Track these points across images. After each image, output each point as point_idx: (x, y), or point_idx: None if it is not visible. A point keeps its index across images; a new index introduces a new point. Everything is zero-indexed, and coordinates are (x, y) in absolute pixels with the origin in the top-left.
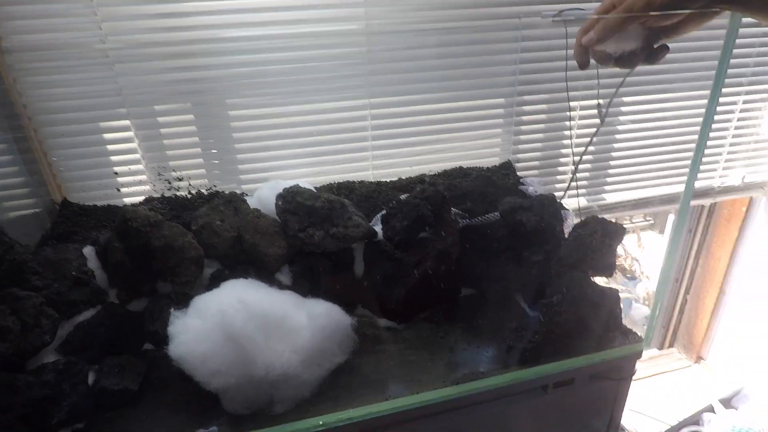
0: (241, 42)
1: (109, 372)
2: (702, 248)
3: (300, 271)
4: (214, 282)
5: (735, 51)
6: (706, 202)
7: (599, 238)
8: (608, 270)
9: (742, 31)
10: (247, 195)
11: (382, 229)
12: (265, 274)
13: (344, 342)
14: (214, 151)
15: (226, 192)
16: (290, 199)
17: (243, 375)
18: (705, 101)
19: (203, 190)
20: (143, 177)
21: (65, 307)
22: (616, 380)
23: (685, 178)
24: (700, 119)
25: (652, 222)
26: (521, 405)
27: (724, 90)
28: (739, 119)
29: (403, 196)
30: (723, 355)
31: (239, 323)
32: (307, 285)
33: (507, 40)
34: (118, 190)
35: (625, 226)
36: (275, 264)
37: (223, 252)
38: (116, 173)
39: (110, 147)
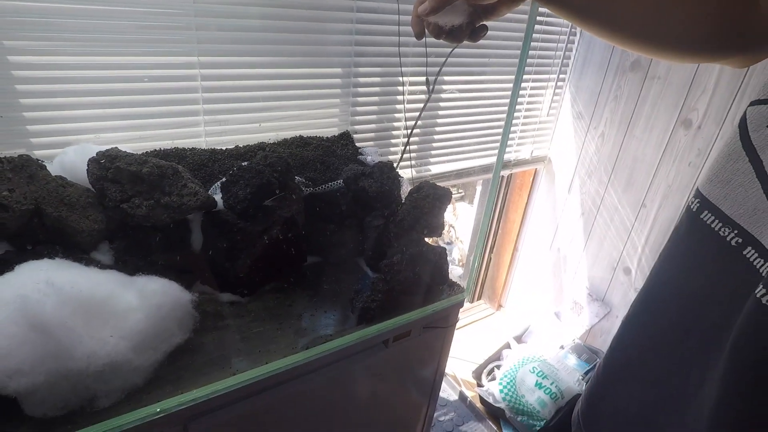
0: None
1: None
2: (502, 213)
3: (124, 247)
4: (1, 267)
5: (521, 41)
6: (506, 173)
7: (431, 201)
8: (438, 230)
9: (525, 20)
10: (43, 162)
11: (223, 197)
12: (77, 254)
13: (184, 320)
14: None
15: (12, 156)
16: (108, 164)
17: (55, 371)
18: (508, 84)
19: None
20: None
21: None
22: (444, 328)
23: (495, 151)
24: (505, 99)
25: (463, 194)
26: (365, 361)
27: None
28: (528, 102)
29: (244, 164)
30: (516, 302)
31: (49, 309)
32: (133, 263)
33: (343, 8)
34: None
35: None
36: (90, 241)
37: (14, 230)
38: None
39: None
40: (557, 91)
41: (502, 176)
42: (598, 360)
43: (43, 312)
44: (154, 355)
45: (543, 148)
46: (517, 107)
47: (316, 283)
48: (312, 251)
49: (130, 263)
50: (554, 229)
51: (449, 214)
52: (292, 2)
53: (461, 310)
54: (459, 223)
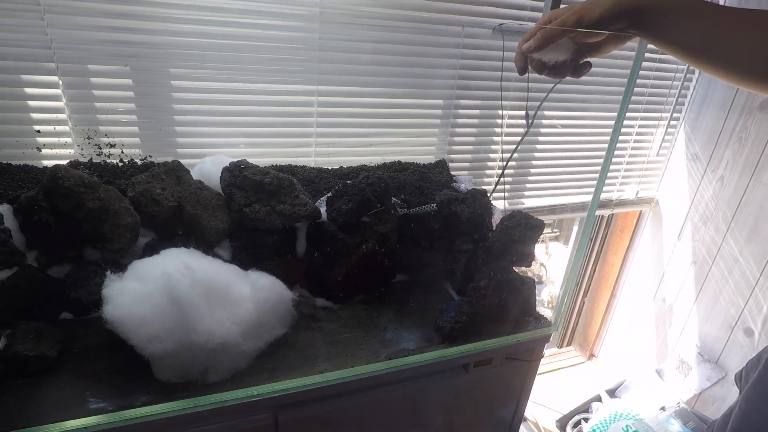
0: (190, 10)
1: (23, 337)
2: (599, 255)
3: (241, 246)
4: (148, 252)
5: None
6: (606, 212)
7: (522, 230)
8: (527, 260)
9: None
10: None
11: (327, 210)
12: (204, 248)
13: (285, 316)
14: (151, 120)
15: (167, 161)
16: (237, 173)
17: (182, 341)
18: (612, 121)
19: (137, 160)
20: (69, 139)
21: None
22: (527, 361)
23: (592, 188)
24: (608, 137)
25: (558, 233)
26: (445, 383)
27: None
28: (635, 141)
29: (348, 182)
30: (611, 352)
31: (185, 287)
32: (247, 261)
33: (449, 45)
34: (39, 150)
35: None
36: (216, 237)
37: (161, 221)
38: (38, 132)
39: (33, 103)
40: (669, 130)
41: (603, 216)
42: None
43: (180, 289)
44: (257, 342)
45: (650, 190)
46: (623, 145)
47: (403, 299)
48: (401, 269)
49: (244, 261)
50: (659, 277)
51: (542, 254)
52: (401, 39)
53: (548, 354)
54: (551, 264)
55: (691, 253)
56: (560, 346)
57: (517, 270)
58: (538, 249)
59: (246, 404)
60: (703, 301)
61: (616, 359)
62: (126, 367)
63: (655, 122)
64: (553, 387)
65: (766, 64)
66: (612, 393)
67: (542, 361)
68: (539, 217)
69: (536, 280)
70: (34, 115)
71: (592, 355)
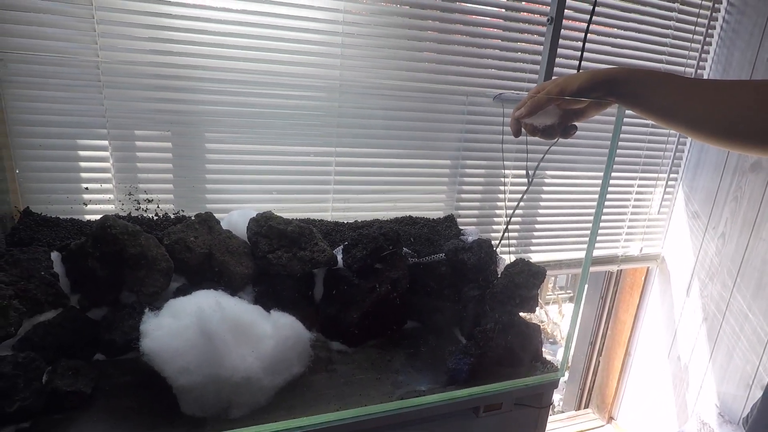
0: (228, 84)
1: (62, 374)
2: (611, 313)
3: (263, 291)
4: (179, 296)
5: (630, 141)
6: (612, 268)
7: (525, 276)
8: (531, 304)
9: (635, 122)
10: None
11: (343, 257)
12: (229, 292)
13: (303, 354)
14: (185, 177)
15: (200, 213)
16: (263, 222)
17: (209, 374)
18: (613, 180)
19: (170, 214)
20: (111, 195)
21: (29, 305)
22: (536, 408)
23: (597, 245)
24: (609, 195)
25: (572, 294)
26: (456, 427)
27: (623, 172)
28: (636, 199)
29: (363, 232)
30: (630, 414)
31: (215, 322)
32: (268, 305)
33: (455, 112)
34: (85, 205)
35: (548, 296)
36: (241, 283)
37: (192, 267)
38: (87, 189)
39: (84, 164)
40: (668, 189)
41: (611, 273)
42: None
43: (211, 323)
44: (276, 379)
45: (655, 246)
46: (624, 203)
47: (414, 344)
48: (412, 316)
49: (265, 305)
50: (672, 334)
51: (556, 314)
52: (411, 107)
53: (566, 417)
54: (565, 324)
55: (701, 310)
56: (578, 408)
57: (523, 316)
58: (552, 310)
59: None
60: (717, 359)
61: (636, 422)
62: (153, 404)
63: (653, 182)
64: None
65: (725, 123)
66: None
67: (560, 424)
68: (552, 273)
69: (551, 340)
70: (84, 175)
71: (611, 418)
